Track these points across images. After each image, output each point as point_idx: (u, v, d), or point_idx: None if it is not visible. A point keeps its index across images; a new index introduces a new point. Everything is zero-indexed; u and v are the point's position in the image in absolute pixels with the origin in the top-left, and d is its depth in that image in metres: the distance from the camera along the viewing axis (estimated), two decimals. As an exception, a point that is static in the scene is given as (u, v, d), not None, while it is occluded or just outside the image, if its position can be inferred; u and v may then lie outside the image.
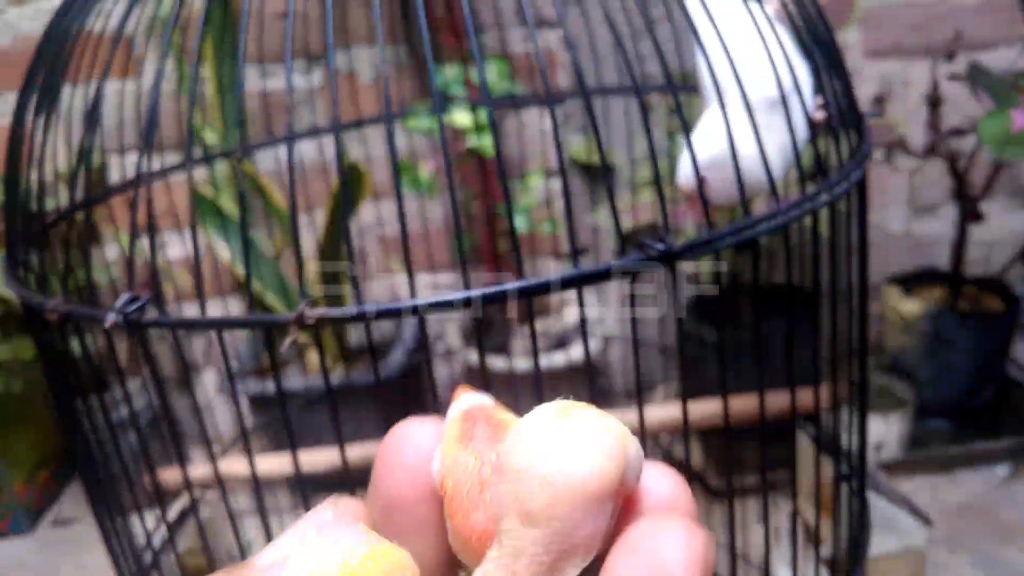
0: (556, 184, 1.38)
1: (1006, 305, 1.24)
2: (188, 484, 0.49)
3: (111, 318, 0.37)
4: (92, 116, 0.43)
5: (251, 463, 0.45)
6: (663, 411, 0.70)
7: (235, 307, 1.27)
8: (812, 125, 0.44)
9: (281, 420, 0.41)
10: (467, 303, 0.34)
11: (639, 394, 0.37)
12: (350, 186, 1.04)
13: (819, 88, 0.44)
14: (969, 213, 1.19)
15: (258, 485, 0.46)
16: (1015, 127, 0.89)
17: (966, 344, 1.23)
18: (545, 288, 0.34)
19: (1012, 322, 1.24)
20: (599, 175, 1.34)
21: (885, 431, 1.20)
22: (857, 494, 0.56)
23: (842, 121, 0.43)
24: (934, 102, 1.12)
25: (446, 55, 1.14)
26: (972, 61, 1.04)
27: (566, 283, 0.33)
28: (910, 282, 1.32)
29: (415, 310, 0.34)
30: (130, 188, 0.48)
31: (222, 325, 0.39)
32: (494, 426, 0.21)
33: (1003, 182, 1.29)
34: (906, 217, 1.44)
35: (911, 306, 1.26)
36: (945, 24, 1.28)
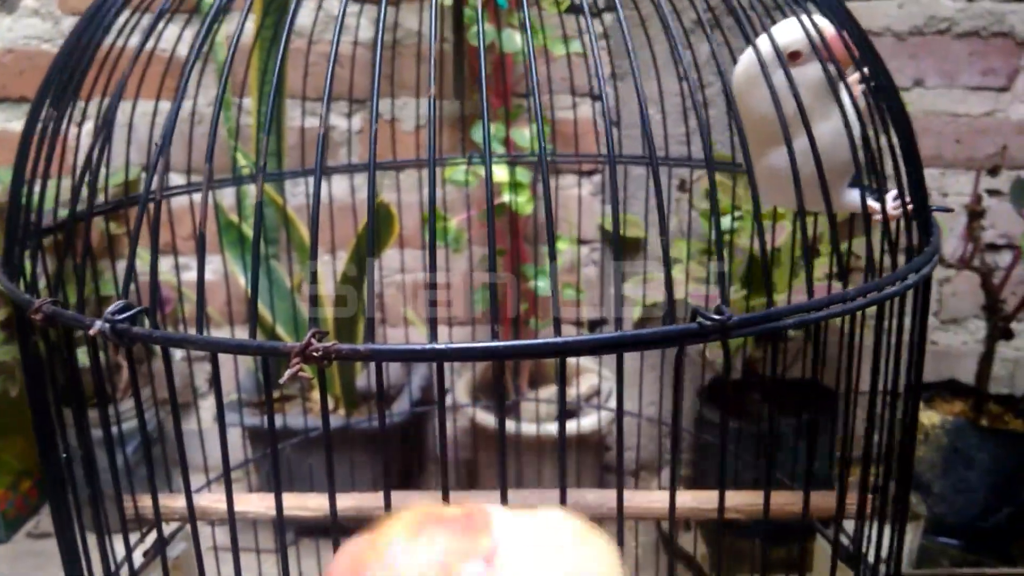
0: (585, 251, 1.37)
1: (1029, 427, 1.21)
2: (158, 515, 0.46)
3: (97, 325, 0.35)
4: (105, 130, 0.42)
5: (228, 500, 0.42)
6: (664, 498, 0.67)
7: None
8: (886, 218, 0.42)
9: (278, 455, 0.39)
10: (492, 354, 0.32)
11: (673, 484, 0.35)
12: (378, 226, 1.03)
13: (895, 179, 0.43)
14: (1000, 329, 1.17)
15: (233, 524, 0.43)
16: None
17: (985, 462, 1.19)
18: (584, 347, 0.32)
19: (1034, 445, 1.21)
20: (630, 247, 1.33)
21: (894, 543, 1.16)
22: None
23: (913, 214, 0.42)
24: (974, 214, 1.11)
25: (491, 114, 1.14)
26: (1017, 177, 1.03)
27: (611, 345, 0.31)
28: (931, 392, 1.29)
29: (434, 356, 0.33)
30: (132, 204, 0.47)
31: (217, 347, 0.37)
32: None
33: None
34: (931, 327, 1.41)
35: (931, 417, 1.23)
36: (987, 139, 1.28)
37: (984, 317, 1.21)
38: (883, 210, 0.42)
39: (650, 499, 0.66)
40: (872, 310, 0.39)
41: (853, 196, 0.56)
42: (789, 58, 0.48)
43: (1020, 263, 1.10)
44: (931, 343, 1.42)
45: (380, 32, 0.37)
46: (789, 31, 0.48)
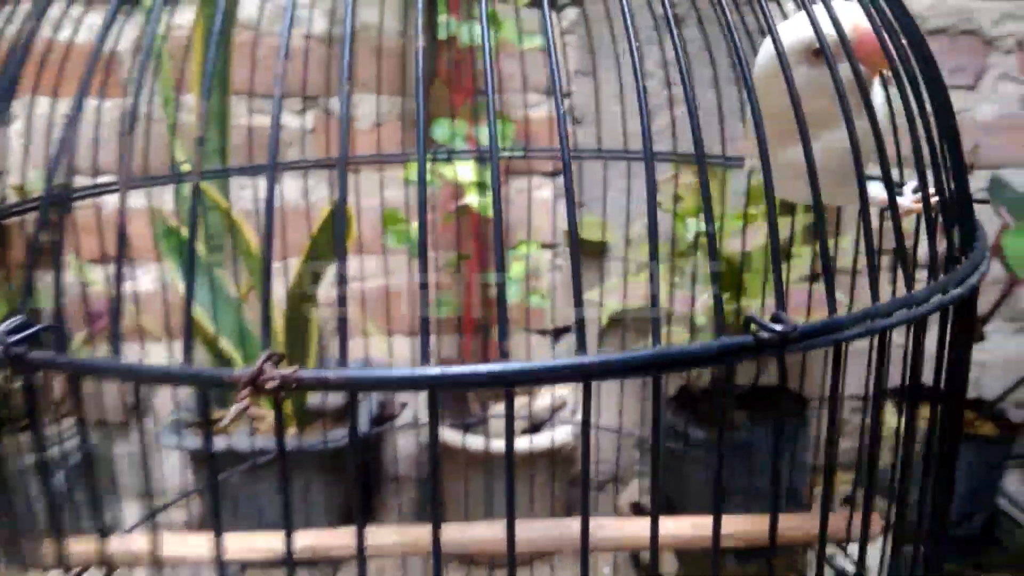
0: (551, 255, 1.32)
1: (1000, 431, 1.19)
2: (65, 562, 0.39)
3: None
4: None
5: (155, 546, 0.35)
6: (636, 527, 0.62)
7: (198, 355, 1.17)
8: (928, 208, 0.37)
9: (222, 483, 0.32)
10: (498, 380, 0.26)
11: (718, 508, 0.29)
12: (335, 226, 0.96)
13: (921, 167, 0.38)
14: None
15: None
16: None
17: (957, 468, 1.17)
18: (614, 369, 0.26)
19: (1006, 450, 1.19)
20: (595, 252, 1.28)
21: (868, 553, 1.13)
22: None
23: (951, 213, 0.37)
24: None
25: (452, 111, 1.08)
26: (993, 175, 1.01)
27: (647, 365, 0.26)
28: (900, 398, 1.26)
29: (426, 383, 0.26)
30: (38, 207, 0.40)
31: (140, 376, 0.30)
32: None
33: (1002, 306, 1.26)
34: (900, 331, 1.39)
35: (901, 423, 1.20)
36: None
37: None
38: (925, 200, 0.37)
39: (623, 529, 0.61)
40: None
41: (872, 189, 0.52)
42: (812, 55, 0.43)
43: (988, 263, 1.08)
44: (899, 346, 1.40)
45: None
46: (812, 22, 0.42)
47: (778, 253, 0.28)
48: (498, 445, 1.02)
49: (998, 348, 1.37)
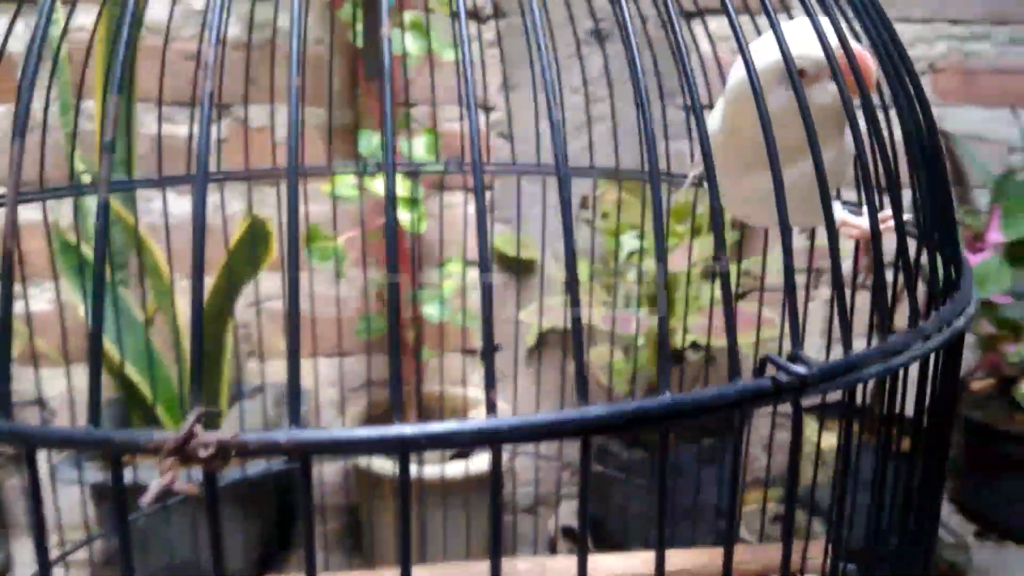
0: (473, 274, 1.28)
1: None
2: None
3: None
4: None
5: None
6: (615, 564, 0.59)
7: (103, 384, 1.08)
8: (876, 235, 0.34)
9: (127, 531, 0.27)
10: (493, 436, 0.22)
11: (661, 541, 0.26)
12: (254, 243, 0.89)
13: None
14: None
15: None
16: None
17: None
18: (618, 422, 0.23)
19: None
20: (522, 269, 1.25)
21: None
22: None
23: (932, 242, 0.35)
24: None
25: (377, 123, 1.03)
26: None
27: (661, 416, 0.22)
28: (827, 413, 1.28)
29: (398, 444, 0.22)
30: None
31: (32, 440, 0.24)
32: None
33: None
34: (819, 347, 1.41)
35: (827, 439, 1.21)
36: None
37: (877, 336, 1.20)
38: (899, 222, 0.34)
39: (594, 566, 0.57)
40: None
41: (836, 211, 0.50)
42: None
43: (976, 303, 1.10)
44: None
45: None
46: (797, 41, 0.35)
47: (794, 286, 0.25)
48: (431, 472, 0.98)
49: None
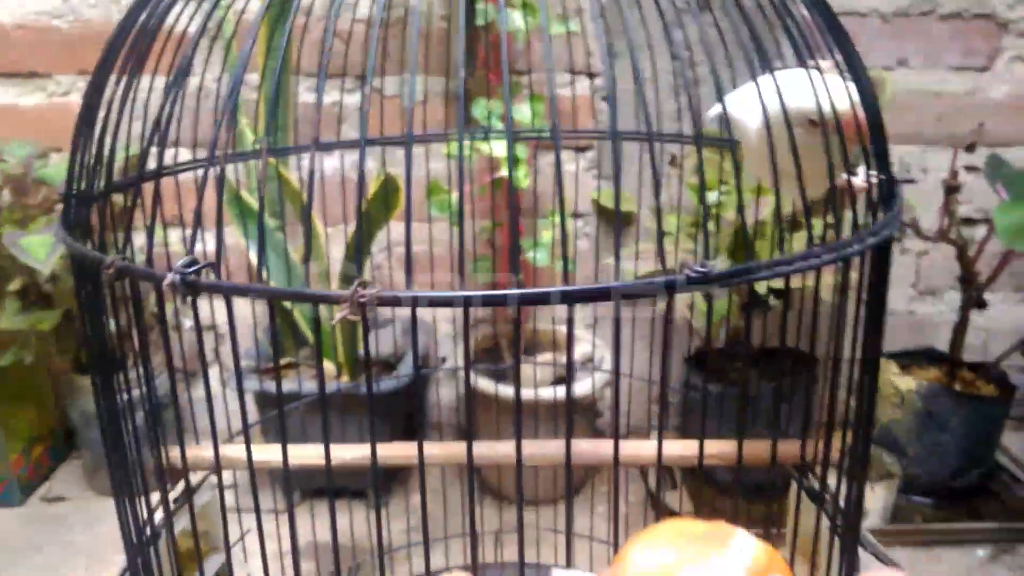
0: (579, 224, 1.43)
1: (1000, 392, 1.27)
2: (185, 464, 0.51)
3: (170, 277, 0.39)
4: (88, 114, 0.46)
5: (247, 449, 0.46)
6: (652, 447, 0.73)
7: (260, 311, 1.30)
8: (852, 192, 0.47)
9: (284, 414, 0.43)
10: (508, 300, 0.37)
11: (660, 429, 0.40)
12: (386, 196, 1.08)
13: (865, 156, 0.48)
14: (974, 300, 1.23)
15: (252, 471, 0.48)
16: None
17: (957, 425, 1.26)
18: (584, 295, 0.37)
19: (1005, 409, 1.27)
20: (622, 221, 1.38)
21: (870, 500, 1.23)
22: (848, 549, 0.59)
23: (880, 187, 0.47)
24: (950, 188, 1.16)
25: (490, 91, 1.19)
26: (992, 153, 1.09)
27: (607, 292, 0.37)
28: (908, 359, 1.35)
29: (461, 301, 0.37)
30: (145, 180, 0.50)
31: (275, 295, 0.41)
32: None
33: (1006, 274, 1.34)
34: (909, 297, 1.48)
35: (907, 382, 1.29)
36: (967, 118, 1.33)
37: (959, 288, 1.27)
38: (850, 184, 0.47)
39: (639, 448, 0.72)
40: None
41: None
42: (809, 124, 0.48)
43: (994, 236, 1.16)
44: (909, 313, 1.48)
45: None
46: (808, 96, 0.46)
47: (707, 214, 0.39)
48: (528, 394, 1.14)
49: (1004, 316, 1.44)
